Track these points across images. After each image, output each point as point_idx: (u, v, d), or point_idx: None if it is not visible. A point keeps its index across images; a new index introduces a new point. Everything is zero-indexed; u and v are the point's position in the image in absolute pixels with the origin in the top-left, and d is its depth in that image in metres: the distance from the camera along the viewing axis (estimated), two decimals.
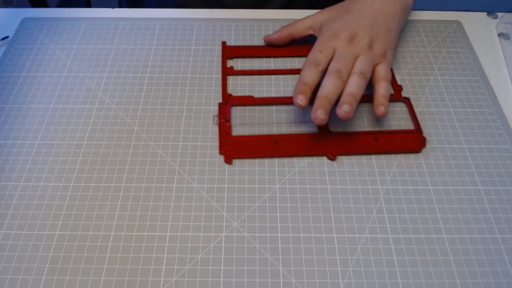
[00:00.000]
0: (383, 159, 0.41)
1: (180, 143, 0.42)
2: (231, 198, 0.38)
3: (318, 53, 0.43)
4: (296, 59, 0.50)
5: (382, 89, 0.42)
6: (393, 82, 0.47)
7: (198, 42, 0.52)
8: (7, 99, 0.46)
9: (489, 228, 0.37)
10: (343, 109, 0.39)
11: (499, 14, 0.55)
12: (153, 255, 0.35)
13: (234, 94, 0.46)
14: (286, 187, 0.39)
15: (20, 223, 0.37)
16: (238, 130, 0.43)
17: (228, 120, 0.43)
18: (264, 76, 0.48)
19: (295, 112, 0.44)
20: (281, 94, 0.46)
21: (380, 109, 0.41)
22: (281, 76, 0.48)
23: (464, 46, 0.52)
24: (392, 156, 0.41)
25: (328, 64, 0.42)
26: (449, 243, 0.36)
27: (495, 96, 0.46)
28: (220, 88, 0.47)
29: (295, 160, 0.41)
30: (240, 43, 0.52)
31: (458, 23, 0.54)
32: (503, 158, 0.41)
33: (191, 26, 0.54)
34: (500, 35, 0.53)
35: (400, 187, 0.39)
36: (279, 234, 0.36)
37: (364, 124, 0.44)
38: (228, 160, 0.40)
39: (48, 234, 0.36)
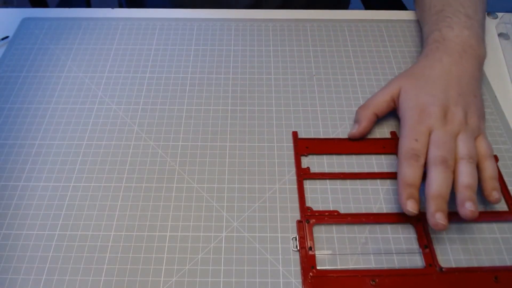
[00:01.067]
0: None
1: (180, 143, 0.42)
2: (231, 198, 0.38)
3: (414, 142, 0.37)
4: (383, 156, 0.41)
5: (490, 170, 0.37)
6: (503, 187, 0.39)
7: (198, 42, 0.52)
8: (7, 99, 0.46)
9: (489, 227, 0.37)
10: (468, 208, 0.33)
11: (499, 14, 0.55)
12: (153, 255, 0.35)
13: (313, 206, 0.38)
14: (286, 187, 0.39)
15: (20, 223, 0.37)
16: (323, 260, 0.35)
17: (312, 248, 0.36)
18: (349, 181, 0.40)
19: (394, 232, 0.36)
20: (371, 205, 0.38)
21: (494, 195, 0.36)
22: (368, 181, 0.40)
23: None
24: None
25: (427, 152, 0.37)
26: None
27: (495, 96, 0.46)
28: (216, 88, 0.47)
29: (295, 160, 0.41)
30: (240, 43, 0.52)
31: None
32: (503, 158, 0.41)
33: (191, 26, 0.54)
34: (500, 35, 0.53)
35: None
36: (279, 234, 0.36)
37: (481, 253, 0.35)
38: None
39: (48, 234, 0.36)
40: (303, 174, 0.40)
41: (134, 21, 0.54)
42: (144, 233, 0.36)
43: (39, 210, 0.37)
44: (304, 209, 0.38)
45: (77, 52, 0.50)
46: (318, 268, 0.34)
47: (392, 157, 0.41)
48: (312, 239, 0.36)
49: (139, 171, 0.40)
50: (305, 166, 0.40)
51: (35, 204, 0.38)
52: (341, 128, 0.43)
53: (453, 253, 0.35)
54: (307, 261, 0.35)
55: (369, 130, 0.42)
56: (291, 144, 0.42)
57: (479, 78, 0.43)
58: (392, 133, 0.42)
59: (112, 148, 0.42)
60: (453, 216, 0.36)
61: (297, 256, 0.35)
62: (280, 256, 0.35)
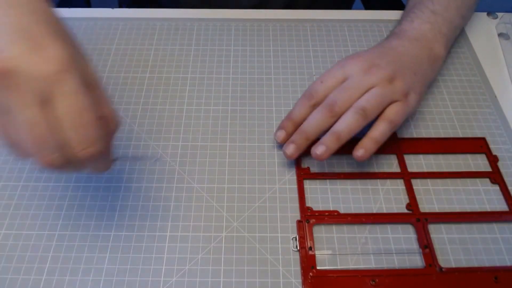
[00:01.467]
0: None
1: (180, 143, 0.42)
2: (231, 198, 0.38)
3: (318, 83, 0.36)
4: (383, 156, 0.41)
5: (376, 131, 0.35)
6: (503, 187, 0.38)
7: (198, 42, 0.52)
8: None
9: (489, 227, 0.37)
10: (316, 152, 0.34)
11: (499, 14, 0.55)
12: (153, 255, 0.35)
13: (314, 206, 0.38)
14: (286, 187, 0.39)
15: (20, 223, 0.37)
16: (323, 260, 0.35)
17: (312, 248, 0.35)
18: (349, 181, 0.40)
19: (394, 232, 0.36)
20: (371, 205, 0.38)
21: (358, 152, 0.35)
22: (369, 181, 0.39)
23: (464, 46, 0.52)
24: None
25: None
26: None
27: (495, 96, 0.46)
28: (209, 88, 0.47)
29: (295, 160, 0.41)
30: (240, 43, 0.52)
31: None
32: (503, 158, 0.41)
33: (191, 26, 0.54)
34: (500, 35, 0.53)
35: None
36: (279, 234, 0.36)
37: (481, 253, 0.35)
38: None
39: (48, 234, 0.36)
40: (303, 174, 0.40)
41: (134, 21, 0.54)
42: (144, 233, 0.36)
43: (39, 210, 0.37)
44: (304, 209, 0.37)
45: None
46: (318, 268, 0.34)
47: (392, 157, 0.41)
48: (312, 239, 0.36)
49: (139, 171, 0.40)
50: (305, 166, 0.40)
51: (35, 204, 0.38)
52: None
53: (453, 253, 0.35)
54: (307, 261, 0.35)
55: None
56: None
57: (426, 65, 0.41)
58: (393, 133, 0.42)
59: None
60: (453, 216, 0.36)
61: (297, 256, 0.35)
62: (280, 256, 0.35)
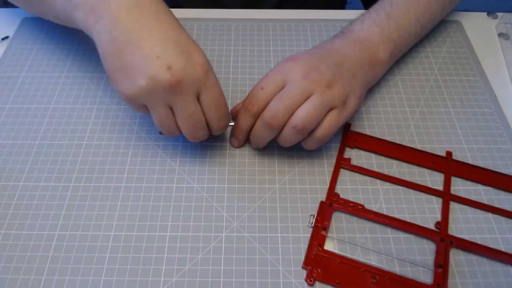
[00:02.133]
0: None
1: (180, 143, 0.42)
2: (231, 198, 0.38)
3: (259, 90, 0.36)
4: (426, 171, 0.41)
5: (311, 142, 0.37)
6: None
7: (198, 42, 0.51)
8: (7, 99, 0.46)
9: (488, 228, 0.37)
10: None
11: (499, 14, 0.55)
12: (153, 255, 0.35)
13: (341, 195, 0.39)
14: (286, 187, 0.39)
15: (20, 223, 0.37)
16: (332, 244, 0.36)
17: (326, 228, 0.36)
18: (384, 182, 0.40)
19: (407, 243, 0.36)
20: (400, 212, 0.38)
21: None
22: (405, 189, 0.39)
23: (464, 46, 0.52)
24: None
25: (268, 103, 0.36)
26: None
27: (495, 96, 0.46)
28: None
29: (295, 160, 0.41)
30: (240, 43, 0.52)
31: (458, 23, 0.54)
32: (503, 158, 0.41)
33: (191, 26, 0.54)
34: (500, 35, 0.53)
35: None
36: (279, 234, 0.36)
37: None
38: (311, 282, 0.34)
39: (48, 234, 0.36)
40: (342, 163, 0.41)
41: None
42: (144, 233, 0.36)
43: (39, 210, 0.37)
44: (332, 194, 0.38)
45: (77, 52, 0.50)
46: (324, 248, 0.35)
47: (439, 175, 0.40)
48: (329, 221, 0.37)
49: (139, 171, 0.40)
50: (347, 157, 0.41)
51: (35, 204, 0.38)
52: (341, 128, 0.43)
53: (464, 284, 0.35)
54: (317, 238, 0.35)
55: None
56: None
57: (367, 68, 0.40)
58: (448, 153, 0.42)
59: (112, 148, 0.42)
60: (480, 248, 0.35)
61: (297, 256, 0.35)
62: (280, 256, 0.35)
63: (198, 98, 0.34)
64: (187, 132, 0.35)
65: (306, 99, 0.35)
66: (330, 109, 0.36)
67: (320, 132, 0.36)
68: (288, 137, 0.36)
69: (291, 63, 0.37)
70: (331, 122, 0.36)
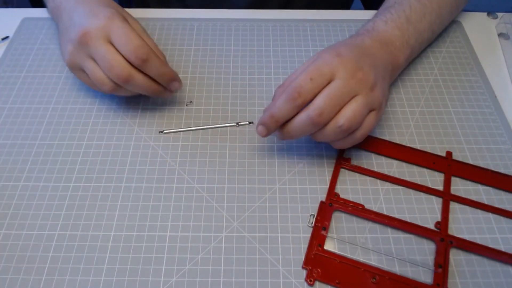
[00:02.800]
0: None
1: (180, 143, 0.42)
2: (231, 198, 0.38)
3: (308, 81, 0.35)
4: (426, 171, 0.41)
5: (350, 140, 0.37)
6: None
7: (198, 42, 0.52)
8: (7, 99, 0.46)
9: (488, 228, 0.37)
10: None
11: (499, 14, 0.55)
12: (153, 255, 0.35)
13: (341, 195, 0.39)
14: (286, 187, 0.39)
15: (20, 223, 0.37)
16: (332, 244, 0.36)
17: (326, 228, 0.36)
18: (384, 182, 0.40)
19: (407, 243, 0.36)
20: (395, 213, 0.38)
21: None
22: (406, 189, 0.39)
23: (464, 46, 0.52)
24: None
25: (314, 96, 0.35)
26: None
27: (495, 96, 0.46)
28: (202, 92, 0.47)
29: (295, 160, 0.41)
30: (240, 43, 0.52)
31: (458, 23, 0.54)
32: (503, 158, 0.41)
33: (191, 26, 0.54)
34: (500, 35, 0.53)
35: None
36: (279, 234, 0.36)
37: None
38: (311, 282, 0.34)
39: (48, 234, 0.36)
40: (343, 162, 0.41)
41: None
42: (144, 233, 0.36)
43: (39, 210, 0.37)
44: (332, 194, 0.38)
45: None
46: (324, 248, 0.35)
47: (439, 175, 0.40)
48: (328, 221, 0.37)
49: (139, 171, 0.40)
50: (347, 157, 0.41)
51: (35, 204, 0.38)
52: None
53: (464, 284, 0.35)
54: (317, 238, 0.35)
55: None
56: (290, 144, 0.42)
57: (390, 73, 0.41)
58: (448, 153, 0.41)
59: (112, 148, 0.42)
60: (480, 248, 0.35)
61: (297, 256, 0.35)
62: (280, 256, 0.35)
63: (111, 44, 0.38)
64: (111, 74, 0.38)
65: (351, 99, 0.35)
66: (370, 111, 0.36)
67: (360, 133, 0.36)
68: (329, 135, 0.36)
69: (339, 59, 0.36)
70: (370, 124, 0.36)
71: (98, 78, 0.39)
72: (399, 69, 0.43)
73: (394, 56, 0.41)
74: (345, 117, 0.35)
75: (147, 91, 0.41)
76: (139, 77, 0.39)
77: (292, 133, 0.37)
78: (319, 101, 0.34)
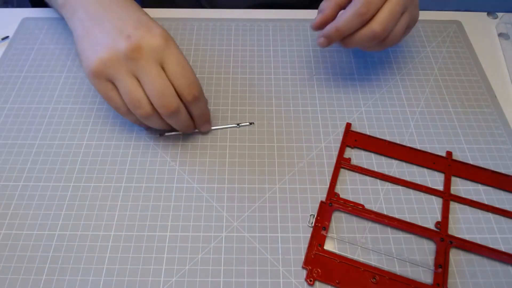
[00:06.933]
0: None
1: (180, 143, 0.42)
2: (231, 198, 0.38)
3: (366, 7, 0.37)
4: (426, 171, 0.41)
5: (367, 30, 0.39)
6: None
7: (198, 42, 0.52)
8: (7, 99, 0.46)
9: (488, 228, 0.37)
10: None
11: (499, 14, 0.55)
12: (153, 255, 0.35)
13: (341, 195, 0.39)
14: (286, 187, 0.39)
15: (20, 223, 0.37)
16: (332, 244, 0.36)
17: (326, 228, 0.37)
18: (384, 182, 0.40)
19: (407, 243, 0.36)
20: (395, 213, 0.38)
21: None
22: (406, 189, 0.39)
23: (464, 46, 0.52)
24: None
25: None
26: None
27: (495, 96, 0.46)
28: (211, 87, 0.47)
29: (295, 160, 0.41)
30: (239, 43, 0.52)
31: (458, 23, 0.54)
32: (503, 158, 0.41)
33: (191, 26, 0.54)
34: (500, 35, 0.53)
35: None
36: (279, 234, 0.36)
37: None
38: (311, 282, 0.34)
39: (48, 234, 0.36)
40: (342, 163, 0.41)
41: None
42: (144, 233, 0.36)
43: (39, 210, 0.37)
44: (331, 193, 0.38)
45: (77, 52, 0.50)
46: (324, 248, 0.35)
47: (440, 174, 0.40)
48: (328, 221, 0.37)
49: (139, 171, 0.40)
50: (347, 157, 0.41)
51: (35, 204, 0.38)
52: (341, 128, 0.44)
53: (464, 284, 0.35)
54: (317, 238, 0.36)
55: (331, 19, 0.41)
56: (290, 144, 0.42)
57: None
58: (448, 153, 0.42)
59: (112, 148, 0.42)
60: (480, 248, 0.35)
61: (297, 256, 0.35)
62: (280, 256, 0.35)
63: (162, 67, 0.35)
64: (157, 100, 0.35)
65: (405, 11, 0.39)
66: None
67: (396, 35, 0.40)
68: (373, 45, 0.40)
69: None
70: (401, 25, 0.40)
71: (135, 98, 0.35)
72: None
73: None
74: (400, 26, 0.39)
75: (180, 127, 0.39)
76: (183, 113, 0.37)
77: (352, 45, 0.39)
78: (383, 16, 0.37)
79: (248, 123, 0.44)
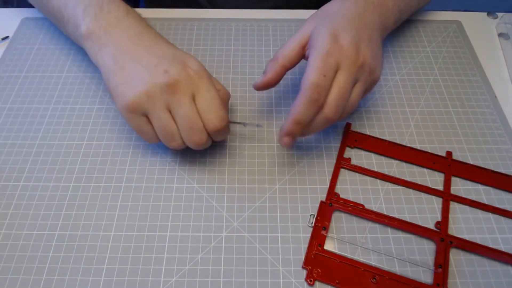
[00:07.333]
0: None
1: None
2: (231, 198, 0.38)
3: (322, 77, 0.34)
4: (426, 171, 0.41)
5: (320, 119, 0.36)
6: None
7: (198, 42, 0.52)
8: (7, 99, 0.46)
9: (488, 228, 0.37)
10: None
11: (499, 14, 0.55)
12: (153, 255, 0.35)
13: (341, 195, 0.39)
14: (286, 187, 0.39)
15: (20, 223, 0.37)
16: (332, 244, 0.36)
17: (326, 228, 0.37)
18: (384, 182, 0.40)
19: (407, 243, 0.36)
20: (395, 213, 0.38)
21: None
22: (406, 189, 0.39)
23: (464, 46, 0.52)
24: None
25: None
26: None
27: (495, 96, 0.46)
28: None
29: (295, 160, 0.41)
30: (239, 43, 0.52)
31: (458, 23, 0.54)
32: (503, 158, 0.41)
33: (191, 26, 0.54)
34: (500, 35, 0.53)
35: None
36: (279, 234, 0.36)
37: None
38: (311, 282, 0.34)
39: (48, 234, 0.36)
40: (342, 163, 0.41)
41: None
42: (144, 233, 0.36)
43: (39, 210, 0.37)
44: (332, 193, 0.38)
45: (77, 52, 0.50)
46: (324, 248, 0.35)
47: (440, 175, 0.40)
48: (328, 221, 0.37)
49: (139, 171, 0.40)
50: (347, 157, 0.41)
51: (35, 204, 0.38)
52: (341, 128, 0.43)
53: (463, 284, 0.35)
54: (317, 238, 0.36)
55: (276, 82, 0.39)
56: None
57: (382, 37, 0.41)
58: (448, 153, 0.41)
59: (112, 148, 0.42)
60: (480, 248, 0.35)
61: (297, 256, 0.35)
62: (280, 256, 0.35)
63: (194, 101, 0.35)
64: (186, 134, 0.35)
65: (354, 86, 0.37)
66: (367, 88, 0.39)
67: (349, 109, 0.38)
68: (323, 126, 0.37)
69: (340, 46, 0.36)
70: (354, 96, 0.38)
71: (170, 132, 0.36)
72: (388, 32, 0.44)
73: (386, 17, 0.42)
74: (351, 107, 0.37)
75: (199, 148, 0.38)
76: (208, 142, 0.37)
77: (309, 133, 0.37)
78: (332, 101, 0.35)
79: (256, 124, 0.43)
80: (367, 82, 0.37)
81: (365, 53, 0.36)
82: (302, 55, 0.39)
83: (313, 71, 0.35)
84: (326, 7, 0.41)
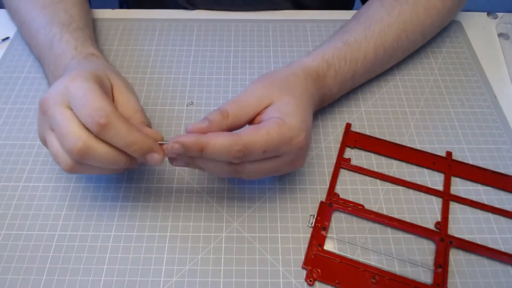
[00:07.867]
0: None
1: None
2: (231, 198, 0.39)
3: (261, 153, 0.32)
4: (426, 171, 0.41)
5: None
6: None
7: (198, 43, 0.52)
8: (8, 99, 0.46)
9: (488, 228, 0.37)
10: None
11: (499, 14, 0.55)
12: (153, 255, 0.35)
13: (341, 195, 0.39)
14: (286, 187, 0.39)
15: (21, 223, 0.37)
16: (332, 244, 0.36)
17: (326, 228, 0.37)
18: (384, 182, 0.40)
19: (407, 244, 0.36)
20: (395, 213, 0.38)
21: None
22: (405, 190, 0.39)
23: (464, 46, 0.52)
24: None
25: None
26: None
27: (495, 96, 0.46)
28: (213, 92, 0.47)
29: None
30: (240, 43, 0.52)
31: (458, 23, 0.54)
32: (503, 158, 0.41)
33: (191, 26, 0.54)
34: (500, 35, 0.53)
35: None
36: (279, 234, 0.36)
37: None
38: (311, 282, 0.34)
39: (48, 234, 0.36)
40: (342, 163, 0.41)
41: (134, 22, 0.54)
42: (144, 234, 0.36)
43: (40, 211, 0.37)
44: (331, 194, 0.38)
45: None
46: (324, 248, 0.35)
47: (439, 175, 0.40)
48: (328, 221, 0.37)
49: (139, 171, 0.40)
50: (347, 157, 0.41)
51: (36, 205, 0.38)
52: (341, 128, 0.44)
53: (463, 284, 0.34)
54: (317, 238, 0.36)
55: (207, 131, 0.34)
56: None
57: (318, 107, 0.42)
58: (448, 153, 0.41)
59: None
60: (480, 249, 0.35)
61: (297, 256, 0.35)
62: (280, 256, 0.35)
63: (70, 109, 0.31)
64: (64, 146, 0.30)
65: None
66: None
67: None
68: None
69: (299, 141, 0.33)
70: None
71: (54, 153, 0.31)
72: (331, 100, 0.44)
73: (329, 89, 0.41)
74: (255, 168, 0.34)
75: (112, 165, 0.31)
76: (99, 149, 0.30)
77: (213, 173, 0.35)
78: (253, 172, 0.33)
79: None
80: (286, 164, 0.34)
81: (306, 135, 0.34)
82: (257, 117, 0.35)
83: (263, 139, 0.31)
84: (281, 81, 0.37)
